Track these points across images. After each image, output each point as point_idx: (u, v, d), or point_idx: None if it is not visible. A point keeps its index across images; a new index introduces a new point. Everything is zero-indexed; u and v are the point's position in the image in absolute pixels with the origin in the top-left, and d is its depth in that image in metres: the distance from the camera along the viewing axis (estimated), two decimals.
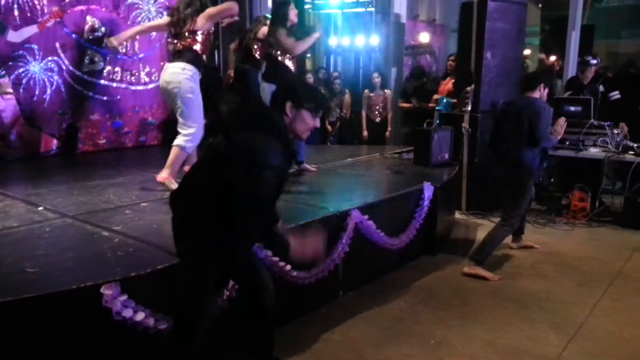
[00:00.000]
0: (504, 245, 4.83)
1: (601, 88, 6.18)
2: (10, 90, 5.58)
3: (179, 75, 4.02)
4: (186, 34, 4.13)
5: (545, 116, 4.17)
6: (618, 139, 5.54)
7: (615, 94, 6.22)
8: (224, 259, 2.45)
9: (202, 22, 4.15)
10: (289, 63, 4.81)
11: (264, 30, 4.95)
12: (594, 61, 6.22)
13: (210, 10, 4.23)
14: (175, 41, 4.19)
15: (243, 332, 2.70)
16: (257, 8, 7.80)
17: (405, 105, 7.45)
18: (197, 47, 4.13)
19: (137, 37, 6.39)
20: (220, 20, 4.51)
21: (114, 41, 4.58)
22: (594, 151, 5.55)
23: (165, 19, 4.41)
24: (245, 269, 2.60)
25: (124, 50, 6.53)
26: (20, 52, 5.74)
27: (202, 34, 4.16)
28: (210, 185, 2.36)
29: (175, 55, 4.20)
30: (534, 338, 3.22)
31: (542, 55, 9.66)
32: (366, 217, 3.77)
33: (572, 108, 5.77)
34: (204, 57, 4.25)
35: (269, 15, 5.13)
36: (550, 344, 3.16)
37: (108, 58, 6.44)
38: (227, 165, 2.34)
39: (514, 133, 4.20)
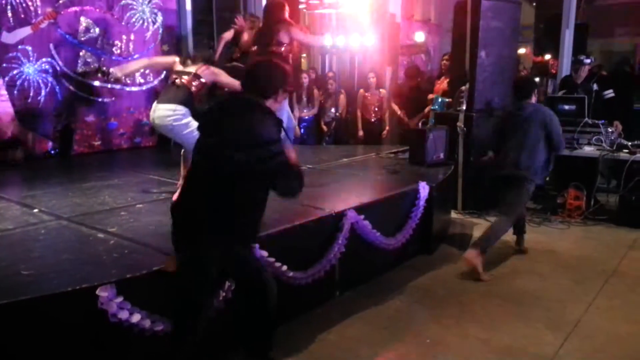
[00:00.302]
0: (500, 244, 4.85)
1: (595, 86, 6.19)
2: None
3: (169, 118, 3.98)
4: (191, 74, 4.14)
5: (557, 121, 4.36)
6: (612, 138, 5.56)
7: (609, 93, 6.24)
8: (225, 259, 2.48)
9: (208, 73, 4.17)
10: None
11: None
12: (588, 60, 6.23)
13: (223, 76, 4.26)
14: (175, 77, 4.19)
15: (242, 332, 2.70)
16: (252, 6, 7.80)
17: (396, 109, 7.43)
18: (193, 88, 4.13)
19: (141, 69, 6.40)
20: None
21: (118, 72, 4.61)
22: (588, 150, 5.57)
23: (171, 57, 4.46)
24: (248, 269, 2.63)
25: (128, 81, 6.58)
26: (15, 53, 5.73)
27: (200, 82, 4.15)
28: (211, 182, 2.38)
29: (170, 90, 4.17)
30: (530, 336, 3.23)
31: (527, 51, 9.65)
32: (362, 217, 3.77)
33: (566, 107, 5.78)
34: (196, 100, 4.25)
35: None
36: (546, 342, 3.16)
37: (102, 59, 6.43)
38: (229, 157, 2.35)
39: (525, 141, 4.29)
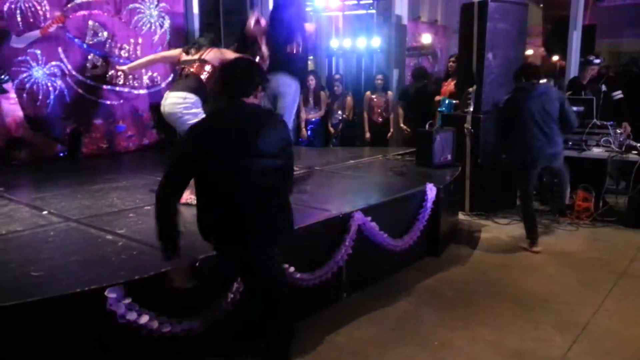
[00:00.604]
0: (508, 247, 4.83)
1: (604, 87, 6.15)
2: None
3: (180, 106, 3.95)
4: (197, 61, 4.13)
5: None
6: (621, 139, 5.52)
7: (618, 94, 6.19)
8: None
9: (214, 55, 4.18)
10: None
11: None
12: (597, 61, 6.19)
13: (230, 54, 4.26)
14: (184, 66, 4.19)
15: (259, 337, 2.72)
16: (259, 9, 7.81)
17: (401, 119, 7.41)
18: (204, 76, 4.12)
19: (146, 67, 6.41)
20: None
21: (125, 68, 4.64)
22: (597, 151, 5.53)
23: (177, 50, 4.46)
24: (276, 270, 2.73)
25: (136, 83, 6.64)
26: (24, 57, 5.77)
27: (211, 66, 4.16)
28: (246, 190, 2.42)
29: (180, 80, 4.17)
30: (539, 339, 3.21)
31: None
32: (369, 218, 3.77)
33: (575, 108, 5.72)
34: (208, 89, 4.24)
35: None
36: (555, 344, 3.15)
37: (110, 62, 6.47)
38: (264, 165, 2.42)
39: (548, 119, 4.57)
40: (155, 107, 6.36)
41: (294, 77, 4.63)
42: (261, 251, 2.50)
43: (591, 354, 3.06)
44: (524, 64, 5.07)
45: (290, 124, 5.10)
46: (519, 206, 5.86)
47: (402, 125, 7.36)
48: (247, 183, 2.41)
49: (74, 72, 6.16)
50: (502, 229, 5.37)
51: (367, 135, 7.54)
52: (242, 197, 2.42)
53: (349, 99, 7.81)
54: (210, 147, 2.41)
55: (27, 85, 5.81)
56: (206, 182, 2.47)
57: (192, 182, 2.52)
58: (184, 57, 4.25)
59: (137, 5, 6.64)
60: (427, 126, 5.87)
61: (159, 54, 5.48)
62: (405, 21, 8.58)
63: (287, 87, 4.54)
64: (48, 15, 5.88)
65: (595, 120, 5.64)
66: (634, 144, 5.44)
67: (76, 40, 6.15)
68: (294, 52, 4.63)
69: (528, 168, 4.67)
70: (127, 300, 2.39)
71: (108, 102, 6.51)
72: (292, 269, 3.16)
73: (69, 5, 6.05)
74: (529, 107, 4.55)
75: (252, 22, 4.71)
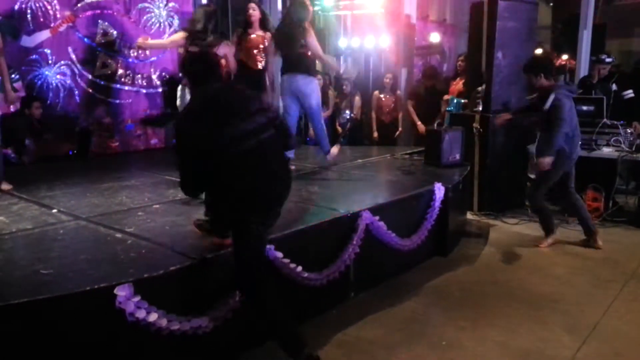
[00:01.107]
0: (517, 247, 4.81)
1: (614, 87, 6.11)
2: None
3: None
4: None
5: None
6: (631, 138, 5.47)
7: (629, 93, 6.14)
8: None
9: (224, 50, 4.18)
10: None
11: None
12: (609, 59, 6.14)
13: (232, 47, 4.29)
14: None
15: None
16: (267, 9, 7.82)
17: (412, 112, 7.38)
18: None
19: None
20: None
21: (140, 41, 4.72)
22: (607, 151, 5.49)
23: (180, 34, 4.45)
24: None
25: (144, 83, 6.67)
26: (34, 56, 5.82)
27: (225, 60, 4.15)
28: (264, 159, 2.66)
29: None
30: (547, 340, 3.20)
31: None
32: (377, 218, 3.77)
33: (585, 107, 5.70)
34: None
35: None
36: (563, 345, 3.13)
37: (120, 62, 6.51)
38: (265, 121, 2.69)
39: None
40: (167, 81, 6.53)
41: (311, 75, 4.66)
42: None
43: (600, 355, 3.03)
44: (538, 56, 4.97)
45: (323, 123, 5.20)
46: (528, 205, 5.85)
47: (418, 122, 7.30)
48: (253, 143, 2.58)
49: (83, 72, 6.21)
50: (511, 229, 5.35)
51: (375, 134, 7.53)
52: (253, 157, 2.58)
53: (357, 98, 7.80)
54: (208, 121, 2.56)
55: (37, 85, 5.86)
56: (215, 164, 2.55)
57: None
58: (192, 49, 4.23)
59: (146, 4, 6.68)
60: (435, 125, 5.85)
61: (168, 39, 5.55)
62: (413, 20, 8.56)
63: (309, 85, 4.59)
64: (58, 15, 5.93)
65: (605, 119, 5.60)
66: None
67: (86, 39, 6.19)
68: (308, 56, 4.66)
69: (565, 167, 4.66)
70: (136, 298, 2.40)
71: (117, 101, 6.55)
72: (299, 268, 3.16)
73: (78, 5, 6.10)
74: (575, 108, 4.59)
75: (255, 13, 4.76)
